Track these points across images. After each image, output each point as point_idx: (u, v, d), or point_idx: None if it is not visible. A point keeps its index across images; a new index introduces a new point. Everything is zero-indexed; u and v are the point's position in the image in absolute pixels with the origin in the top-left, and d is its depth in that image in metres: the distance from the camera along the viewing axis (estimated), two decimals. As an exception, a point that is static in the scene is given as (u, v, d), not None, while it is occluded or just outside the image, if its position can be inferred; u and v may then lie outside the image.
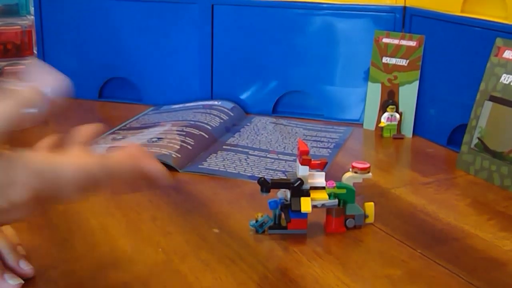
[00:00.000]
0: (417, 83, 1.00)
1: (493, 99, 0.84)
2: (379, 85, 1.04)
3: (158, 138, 0.89)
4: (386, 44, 1.03)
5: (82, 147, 0.50)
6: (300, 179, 0.64)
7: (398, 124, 1.01)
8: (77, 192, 0.48)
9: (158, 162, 0.51)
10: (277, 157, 0.89)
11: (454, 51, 0.95)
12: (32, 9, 1.20)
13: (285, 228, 0.66)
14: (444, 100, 0.97)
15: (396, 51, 1.02)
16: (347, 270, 0.60)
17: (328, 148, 0.94)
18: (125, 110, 1.11)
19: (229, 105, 1.08)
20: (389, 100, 1.02)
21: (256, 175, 0.81)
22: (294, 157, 0.87)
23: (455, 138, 0.95)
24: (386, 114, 1.01)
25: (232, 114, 1.05)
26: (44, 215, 0.67)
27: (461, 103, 0.93)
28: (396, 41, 1.02)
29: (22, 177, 0.46)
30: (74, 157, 0.48)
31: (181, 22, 1.12)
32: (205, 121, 0.98)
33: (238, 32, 1.10)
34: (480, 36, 0.90)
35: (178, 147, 0.87)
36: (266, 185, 0.63)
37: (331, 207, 0.66)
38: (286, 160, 0.88)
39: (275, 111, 1.12)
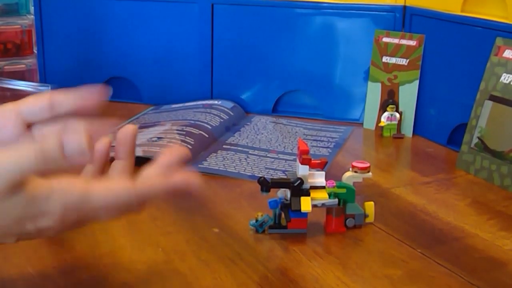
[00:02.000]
0: (417, 82, 1.00)
1: (493, 98, 0.84)
2: (379, 85, 1.04)
3: (158, 138, 0.89)
4: (386, 44, 1.03)
5: (119, 176, 0.53)
6: (300, 178, 0.64)
7: (398, 124, 1.01)
8: (109, 216, 0.49)
9: (190, 172, 0.52)
10: (277, 156, 0.89)
11: (454, 50, 0.95)
12: (32, 9, 1.20)
13: (285, 227, 0.66)
14: (444, 100, 0.97)
15: (396, 51, 1.02)
16: (347, 270, 0.60)
17: (328, 147, 0.94)
18: (125, 109, 1.11)
19: (229, 104, 1.08)
20: (389, 99, 1.02)
21: (256, 175, 0.81)
22: (294, 157, 0.87)
23: (455, 137, 0.95)
24: (386, 114, 1.01)
25: (232, 114, 1.05)
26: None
27: (461, 102, 0.93)
28: (396, 41, 1.02)
29: (54, 209, 0.47)
30: (107, 185, 0.49)
31: (181, 22, 1.12)
32: (205, 121, 0.98)
33: (238, 32, 1.10)
34: (480, 36, 0.90)
35: (178, 146, 0.87)
36: (266, 185, 0.63)
37: (331, 207, 0.66)
38: (286, 160, 0.88)
39: (275, 110, 1.12)
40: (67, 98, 0.56)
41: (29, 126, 0.55)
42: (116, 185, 0.50)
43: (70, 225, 0.49)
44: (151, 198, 0.51)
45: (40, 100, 0.55)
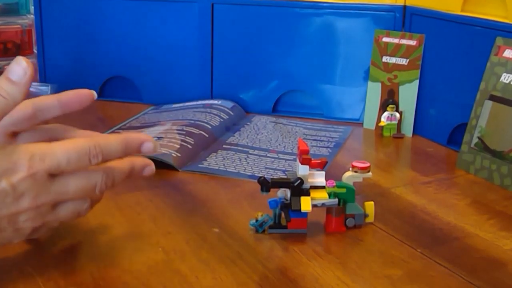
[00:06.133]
0: (417, 82, 1.00)
1: (493, 98, 0.84)
2: (379, 84, 1.04)
3: (158, 138, 0.89)
4: (386, 43, 1.03)
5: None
6: (300, 178, 0.64)
7: (398, 124, 1.01)
8: (75, 167, 0.53)
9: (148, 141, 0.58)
10: (277, 156, 0.89)
11: (454, 50, 0.95)
12: (32, 8, 1.20)
13: (285, 227, 0.66)
14: (444, 100, 0.97)
15: (396, 50, 1.02)
16: (347, 270, 0.60)
17: (328, 147, 0.94)
18: (125, 109, 1.11)
19: (229, 104, 1.08)
20: (389, 99, 1.02)
21: (256, 175, 0.81)
22: (294, 156, 0.87)
23: (455, 137, 0.95)
24: (386, 114, 1.01)
25: (232, 113, 1.05)
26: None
27: (461, 102, 0.93)
28: (396, 40, 1.02)
29: (23, 160, 0.51)
30: (70, 140, 0.55)
31: (181, 22, 1.12)
32: (205, 120, 0.98)
33: (238, 32, 1.10)
34: (480, 35, 0.90)
35: (178, 146, 0.87)
36: (266, 185, 0.63)
37: (331, 207, 0.66)
38: (286, 159, 0.88)
39: (275, 110, 1.12)
40: (51, 106, 0.60)
41: (14, 134, 0.59)
42: (77, 140, 0.55)
43: (42, 187, 0.52)
44: (110, 150, 0.55)
45: (23, 110, 0.59)
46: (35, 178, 0.52)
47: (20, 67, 0.53)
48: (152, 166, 0.60)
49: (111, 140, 0.56)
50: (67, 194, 0.54)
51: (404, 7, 1.03)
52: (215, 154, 0.89)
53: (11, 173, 0.51)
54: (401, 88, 1.02)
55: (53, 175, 0.53)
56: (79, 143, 0.54)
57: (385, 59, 1.03)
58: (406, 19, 1.02)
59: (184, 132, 0.92)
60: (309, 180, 0.65)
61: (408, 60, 1.01)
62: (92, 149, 0.54)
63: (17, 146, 0.52)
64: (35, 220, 0.54)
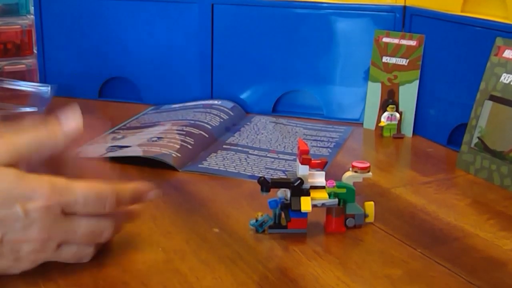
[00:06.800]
0: (417, 82, 1.00)
1: (493, 98, 0.84)
2: (379, 85, 1.04)
3: (158, 138, 0.89)
4: (386, 44, 1.03)
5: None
6: (300, 178, 0.64)
7: (398, 124, 1.01)
8: (90, 210, 0.54)
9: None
10: (277, 156, 0.89)
11: (454, 50, 0.95)
12: (32, 9, 1.20)
13: (285, 227, 0.66)
14: (444, 100, 0.97)
15: (396, 51, 1.02)
16: (347, 270, 0.60)
17: (328, 147, 0.94)
18: (125, 109, 1.11)
19: (229, 104, 1.08)
20: (389, 99, 1.02)
21: (256, 175, 0.81)
22: (294, 157, 0.87)
23: (455, 137, 0.95)
24: (386, 114, 1.01)
25: (232, 114, 1.05)
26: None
27: (461, 102, 0.93)
28: (396, 41, 1.02)
29: (41, 189, 0.52)
30: (90, 182, 0.55)
31: (181, 22, 1.12)
32: (205, 121, 0.98)
33: (238, 32, 1.10)
34: (480, 36, 0.90)
35: (178, 146, 0.87)
36: (266, 185, 0.63)
37: (331, 207, 0.66)
38: (286, 160, 0.88)
39: (275, 110, 1.12)
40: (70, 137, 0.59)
41: None
42: (98, 184, 0.55)
43: (53, 221, 0.52)
44: (122, 202, 0.57)
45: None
46: (50, 210, 0.52)
47: (76, 125, 0.56)
48: (158, 190, 0.61)
49: (127, 190, 0.57)
50: (75, 235, 0.54)
51: (404, 7, 1.03)
52: (215, 154, 0.89)
53: (27, 200, 0.51)
54: (401, 88, 1.02)
55: (66, 213, 0.53)
56: (99, 187, 0.55)
57: (385, 59, 1.03)
58: (406, 20, 1.02)
59: (184, 133, 0.92)
60: (309, 180, 0.65)
61: (408, 60, 1.01)
62: (110, 197, 0.55)
63: (39, 175, 0.53)
64: (37, 254, 0.54)
